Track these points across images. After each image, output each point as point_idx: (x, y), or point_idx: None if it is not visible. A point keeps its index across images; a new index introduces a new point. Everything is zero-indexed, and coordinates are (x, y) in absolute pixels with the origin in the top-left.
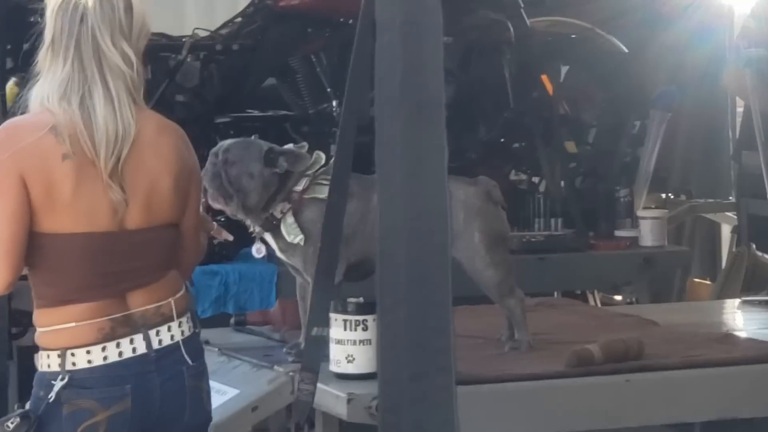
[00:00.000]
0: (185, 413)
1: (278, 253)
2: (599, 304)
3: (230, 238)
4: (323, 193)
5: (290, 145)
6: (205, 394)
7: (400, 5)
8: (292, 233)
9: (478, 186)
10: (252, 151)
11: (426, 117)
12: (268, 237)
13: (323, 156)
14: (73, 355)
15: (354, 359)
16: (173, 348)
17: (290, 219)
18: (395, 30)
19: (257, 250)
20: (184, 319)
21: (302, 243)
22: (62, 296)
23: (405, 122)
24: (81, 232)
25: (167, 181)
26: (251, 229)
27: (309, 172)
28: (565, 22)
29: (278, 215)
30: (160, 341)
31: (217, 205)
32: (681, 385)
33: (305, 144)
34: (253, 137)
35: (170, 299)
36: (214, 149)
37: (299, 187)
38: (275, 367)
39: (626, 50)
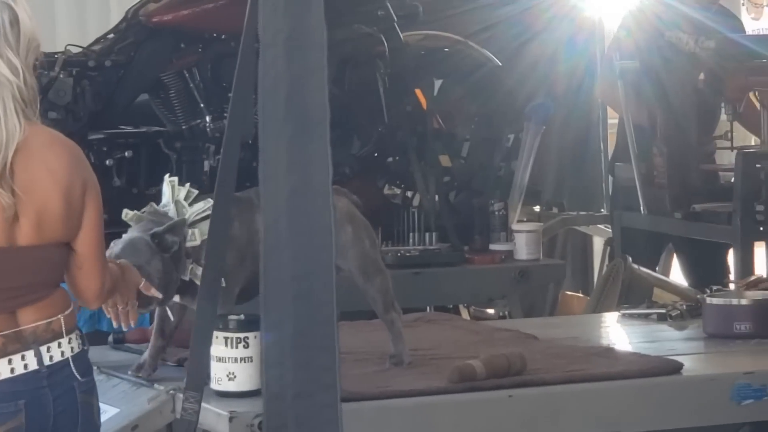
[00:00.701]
0: (77, 429)
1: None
2: (471, 318)
3: (159, 296)
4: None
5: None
6: (95, 410)
7: (284, 21)
8: None
9: (348, 196)
10: (140, 251)
11: (311, 134)
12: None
13: (175, 182)
14: None
15: (235, 377)
16: (63, 364)
17: (200, 271)
18: (279, 46)
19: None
20: (73, 336)
21: (224, 283)
22: None
23: (290, 139)
24: None
25: (57, 197)
26: None
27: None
28: (437, 35)
29: (189, 276)
30: (51, 357)
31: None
32: (563, 400)
33: (174, 179)
34: (127, 153)
35: (60, 316)
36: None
37: (195, 242)
38: (155, 385)
39: (499, 63)
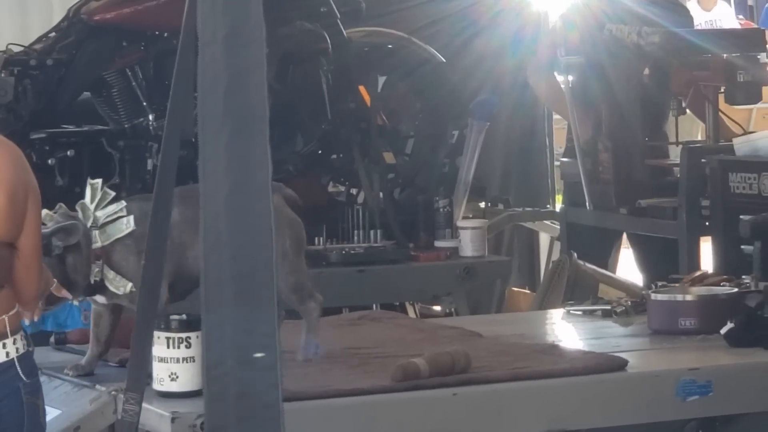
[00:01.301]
0: (23, 430)
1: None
2: (418, 316)
3: (69, 297)
4: (120, 230)
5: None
6: (41, 412)
7: (223, 19)
8: (120, 285)
9: (278, 192)
10: None
11: (250, 131)
12: (95, 297)
13: (97, 185)
14: None
15: (177, 377)
16: (9, 365)
17: (111, 274)
18: (218, 44)
19: (86, 318)
20: (18, 337)
21: (133, 289)
22: None
23: (229, 137)
24: None
25: (2, 197)
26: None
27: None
28: (381, 31)
29: (97, 278)
30: None
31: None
32: (509, 398)
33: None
34: (69, 152)
35: (4, 316)
36: None
37: (97, 243)
38: (97, 386)
39: (443, 59)
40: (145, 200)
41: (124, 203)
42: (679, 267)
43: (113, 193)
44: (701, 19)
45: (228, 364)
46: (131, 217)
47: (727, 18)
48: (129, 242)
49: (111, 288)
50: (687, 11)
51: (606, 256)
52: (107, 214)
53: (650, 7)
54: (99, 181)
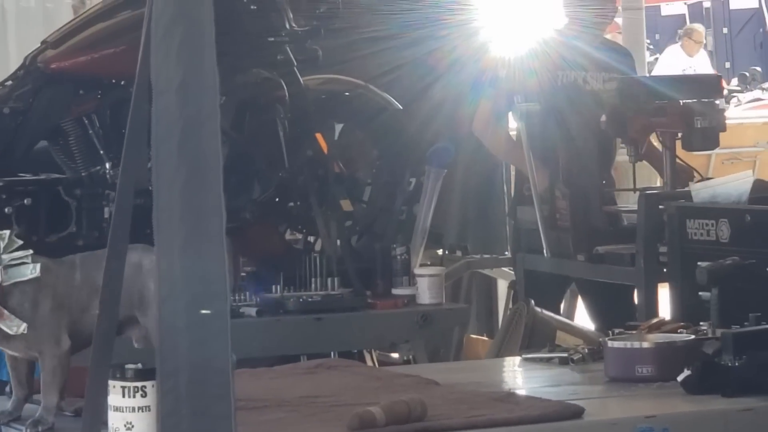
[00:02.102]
0: None
1: None
2: (376, 363)
3: None
4: (24, 274)
5: None
6: None
7: (177, 67)
8: (14, 325)
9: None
10: None
11: (204, 180)
12: None
13: (5, 234)
14: None
15: (133, 426)
16: None
17: (5, 313)
18: (172, 92)
19: None
20: None
21: (26, 330)
22: None
23: (183, 186)
24: None
25: None
26: None
27: None
28: (338, 79)
29: None
30: None
31: None
32: None
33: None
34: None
35: None
36: None
37: None
38: None
39: (400, 107)
40: (56, 261)
41: (30, 251)
42: (630, 314)
43: (21, 242)
44: (685, 64)
45: (183, 414)
46: (38, 265)
47: (704, 66)
48: (28, 289)
49: (3, 327)
50: (631, 56)
51: (559, 302)
52: (12, 257)
53: (595, 53)
54: (7, 231)
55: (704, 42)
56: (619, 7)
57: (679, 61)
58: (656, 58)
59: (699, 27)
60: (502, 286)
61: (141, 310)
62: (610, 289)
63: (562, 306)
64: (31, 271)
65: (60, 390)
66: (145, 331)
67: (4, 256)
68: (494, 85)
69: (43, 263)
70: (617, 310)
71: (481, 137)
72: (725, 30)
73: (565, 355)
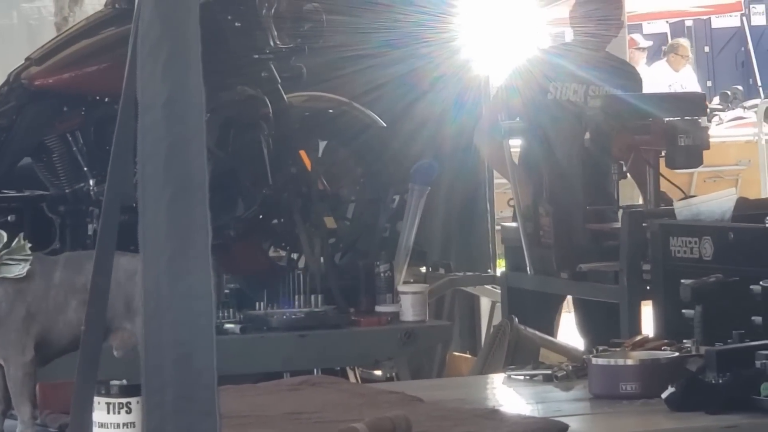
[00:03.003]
0: None
1: None
2: (359, 381)
3: None
4: (11, 272)
5: None
6: None
7: (163, 85)
8: None
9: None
10: None
11: (190, 197)
12: None
13: (4, 235)
14: None
15: None
16: None
17: None
18: (158, 109)
19: None
20: None
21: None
22: None
23: (169, 202)
24: None
25: None
26: None
27: None
28: (322, 96)
29: None
30: None
31: None
32: None
33: None
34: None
35: None
36: None
37: None
38: None
39: (384, 124)
40: (39, 259)
41: (30, 257)
42: (620, 331)
43: (29, 248)
44: (671, 80)
45: (168, 430)
46: (26, 266)
47: (690, 82)
48: (9, 289)
49: None
50: (637, 74)
51: (547, 321)
52: (12, 257)
53: (593, 71)
54: (21, 234)
55: (689, 56)
56: None
57: (665, 77)
58: None
59: (684, 42)
60: (486, 304)
61: (129, 316)
62: (601, 306)
63: (554, 323)
64: (19, 271)
65: (31, 400)
66: (127, 335)
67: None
68: (483, 101)
69: (38, 265)
70: (608, 327)
71: (479, 147)
72: (707, 48)
73: (549, 372)
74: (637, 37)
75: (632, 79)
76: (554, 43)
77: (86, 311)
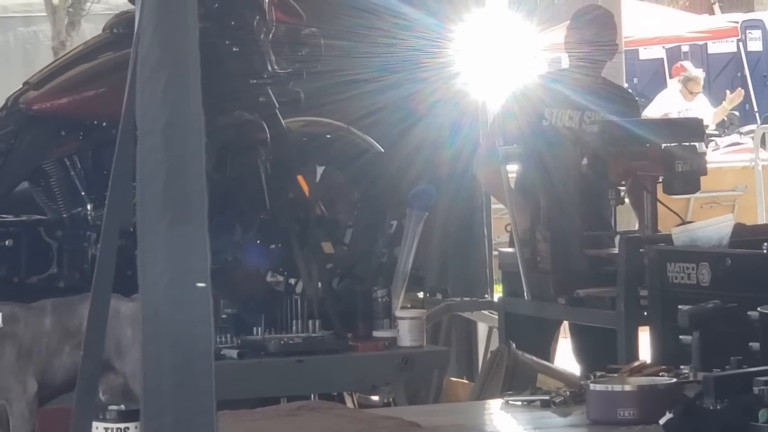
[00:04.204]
0: None
1: None
2: (356, 406)
3: None
4: None
5: None
6: None
7: (162, 108)
8: None
9: (137, 301)
10: None
11: (189, 221)
12: None
13: None
14: None
15: None
16: None
17: None
18: (157, 134)
19: None
20: None
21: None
22: None
23: (168, 227)
24: None
25: None
26: None
27: None
28: (319, 121)
29: None
30: None
31: None
32: None
33: None
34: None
35: None
36: None
37: None
38: None
39: (381, 149)
40: (24, 307)
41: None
42: (616, 357)
43: None
44: (681, 107)
45: None
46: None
47: (703, 110)
48: None
49: None
50: (633, 100)
51: (544, 346)
52: None
53: (589, 96)
54: None
55: (700, 89)
56: None
57: (677, 104)
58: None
59: (698, 74)
60: (483, 329)
61: (118, 355)
62: (597, 332)
63: (551, 349)
64: None
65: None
66: (113, 378)
67: None
68: (480, 127)
69: (7, 312)
70: (605, 353)
71: (476, 173)
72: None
73: (546, 397)
74: (686, 63)
75: (629, 104)
76: (550, 69)
77: (84, 336)
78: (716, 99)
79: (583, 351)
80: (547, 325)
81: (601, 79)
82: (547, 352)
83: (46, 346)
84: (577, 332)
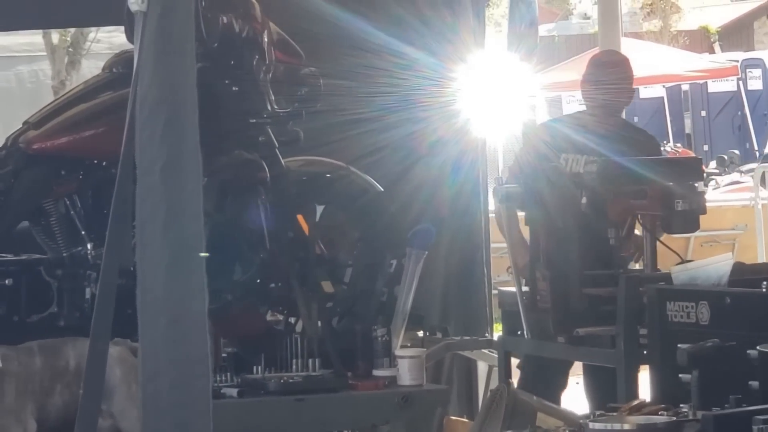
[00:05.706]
0: None
1: None
2: None
3: None
4: None
5: None
6: None
7: (161, 149)
8: None
9: (123, 345)
10: None
11: (187, 261)
12: None
13: None
14: None
15: None
16: None
17: None
18: (156, 174)
19: None
20: None
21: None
22: None
23: (167, 266)
24: None
25: None
26: None
27: None
28: (319, 161)
29: None
30: None
31: None
32: None
33: None
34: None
35: None
36: None
37: None
38: None
39: (381, 188)
40: (12, 349)
41: None
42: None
43: None
44: None
45: None
46: None
47: None
48: None
49: None
50: (655, 142)
51: (552, 386)
52: None
53: (608, 142)
54: None
55: None
56: None
57: None
58: None
59: None
60: (483, 368)
61: (105, 395)
62: (608, 370)
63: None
64: None
65: None
66: (105, 423)
67: None
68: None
69: (2, 352)
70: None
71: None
72: (703, 113)
73: None
74: None
75: (650, 149)
76: (568, 113)
77: (84, 375)
78: (717, 138)
79: (593, 389)
80: (555, 364)
81: (621, 121)
82: (553, 391)
83: (40, 385)
84: (588, 371)
